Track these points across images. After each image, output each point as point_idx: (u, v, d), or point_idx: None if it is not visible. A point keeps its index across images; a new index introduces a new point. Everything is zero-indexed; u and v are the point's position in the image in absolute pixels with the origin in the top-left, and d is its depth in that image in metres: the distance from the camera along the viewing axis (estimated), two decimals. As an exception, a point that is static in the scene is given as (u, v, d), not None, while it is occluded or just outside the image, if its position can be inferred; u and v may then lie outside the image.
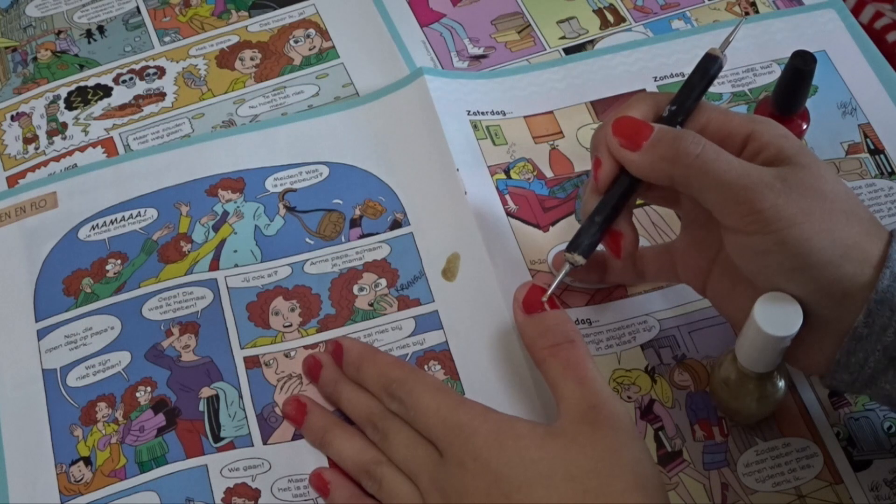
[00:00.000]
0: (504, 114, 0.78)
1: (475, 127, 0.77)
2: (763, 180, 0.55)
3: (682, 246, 0.65)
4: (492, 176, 0.75)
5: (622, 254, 0.62)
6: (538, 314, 0.61)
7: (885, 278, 0.54)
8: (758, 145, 0.58)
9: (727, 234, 0.58)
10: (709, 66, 0.62)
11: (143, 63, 0.83)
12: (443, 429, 0.59)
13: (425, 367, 0.68)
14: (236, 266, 0.72)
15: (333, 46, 0.84)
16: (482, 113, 0.78)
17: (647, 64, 0.80)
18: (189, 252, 0.72)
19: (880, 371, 0.56)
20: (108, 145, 0.79)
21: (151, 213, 0.74)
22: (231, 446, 0.65)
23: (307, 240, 0.73)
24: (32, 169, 0.78)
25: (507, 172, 0.75)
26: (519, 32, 0.84)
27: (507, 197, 0.74)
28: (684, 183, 0.57)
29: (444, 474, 0.58)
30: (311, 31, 0.85)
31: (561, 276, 0.62)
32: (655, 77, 0.79)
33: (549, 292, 0.62)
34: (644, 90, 0.64)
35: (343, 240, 0.73)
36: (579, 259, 0.61)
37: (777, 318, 0.56)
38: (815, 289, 0.56)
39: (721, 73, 0.78)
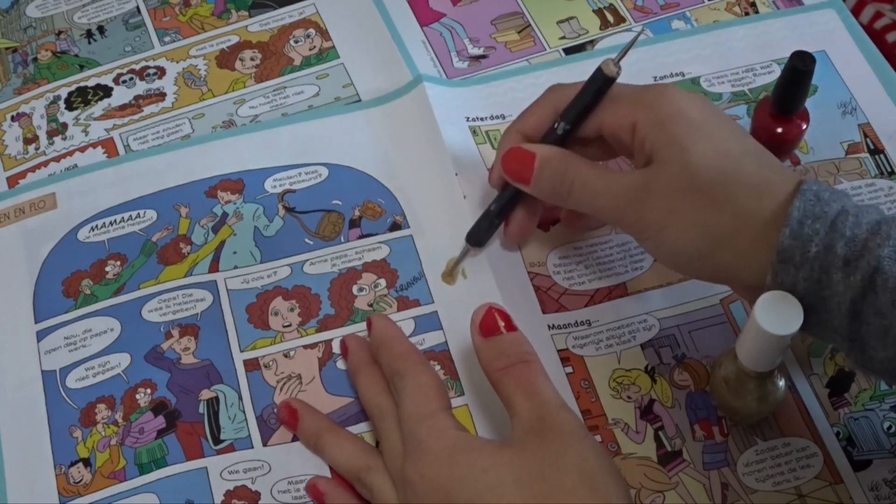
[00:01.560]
0: (503, 117, 0.78)
1: (474, 132, 0.77)
2: (626, 195, 0.60)
3: None
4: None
5: (510, 238, 0.71)
6: (494, 337, 0.61)
7: (785, 237, 0.55)
8: (640, 137, 0.61)
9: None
10: (599, 81, 0.63)
11: (144, 63, 0.83)
12: (407, 439, 0.59)
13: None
14: (236, 267, 0.72)
15: (333, 46, 0.84)
16: (481, 119, 0.78)
17: (647, 64, 0.80)
18: (189, 254, 0.72)
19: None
20: (108, 145, 0.79)
21: (151, 215, 0.74)
22: (231, 448, 0.65)
23: (306, 240, 0.73)
24: (33, 169, 0.78)
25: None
26: (519, 32, 0.84)
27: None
28: (571, 207, 0.65)
29: (404, 490, 0.58)
30: (311, 30, 0.85)
31: (458, 258, 0.71)
32: (655, 77, 0.79)
33: (445, 270, 0.71)
34: (558, 84, 0.67)
35: (342, 240, 0.73)
36: (471, 249, 0.71)
37: (777, 317, 0.56)
38: (706, 276, 0.61)
39: (721, 73, 0.79)
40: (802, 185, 0.57)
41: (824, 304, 0.55)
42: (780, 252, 0.55)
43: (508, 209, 0.69)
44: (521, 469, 0.55)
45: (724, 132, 0.59)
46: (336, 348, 0.68)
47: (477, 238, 0.70)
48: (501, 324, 0.61)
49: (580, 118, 0.64)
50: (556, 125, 0.65)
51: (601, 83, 0.63)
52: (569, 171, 0.63)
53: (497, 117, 0.78)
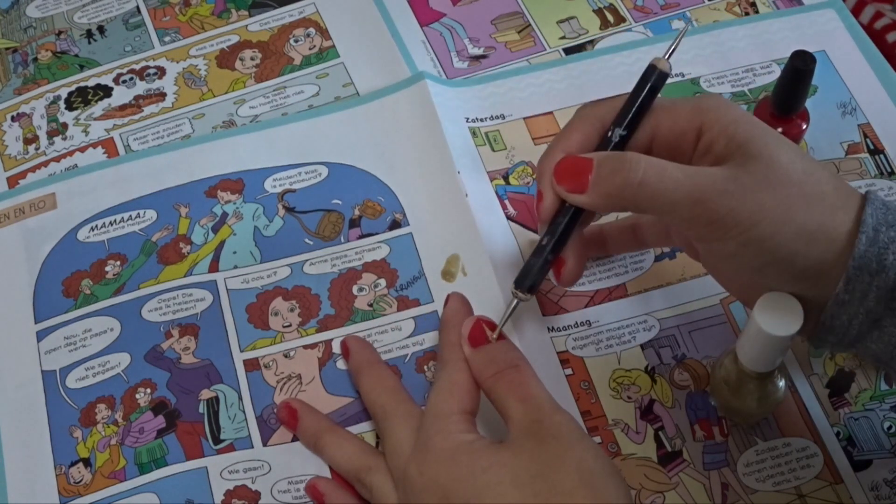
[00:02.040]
0: (503, 117, 0.78)
1: (474, 134, 0.77)
2: (714, 187, 0.54)
3: None
4: (491, 182, 0.75)
5: (563, 282, 0.62)
6: (484, 346, 0.61)
7: (861, 244, 0.53)
8: (709, 139, 0.57)
9: (694, 242, 0.58)
10: (652, 78, 0.60)
11: (144, 63, 0.83)
12: (419, 433, 0.59)
13: (425, 367, 0.68)
14: (236, 267, 0.72)
15: (333, 46, 0.84)
16: (480, 120, 0.78)
17: (646, 64, 0.80)
18: (188, 253, 0.72)
19: (865, 332, 0.56)
20: (108, 146, 0.79)
21: (151, 215, 0.74)
22: (231, 448, 0.65)
23: (306, 240, 0.73)
24: (33, 169, 0.78)
25: (505, 178, 0.75)
26: (519, 32, 0.84)
27: (507, 202, 0.74)
28: (637, 209, 0.58)
29: (403, 487, 0.58)
30: (311, 30, 0.85)
31: (509, 312, 0.62)
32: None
33: (499, 329, 0.62)
34: (587, 101, 0.63)
35: (342, 240, 0.73)
36: (525, 296, 0.62)
37: (778, 318, 0.56)
38: (790, 277, 0.56)
39: (721, 73, 0.79)
40: (869, 193, 0.56)
41: (893, 318, 0.54)
42: (856, 259, 0.53)
43: (563, 241, 0.61)
44: (520, 469, 0.55)
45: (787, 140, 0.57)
46: (336, 348, 0.69)
47: (531, 283, 0.61)
48: (490, 333, 0.62)
49: (637, 121, 0.59)
50: (609, 133, 0.59)
51: (655, 80, 0.60)
52: (634, 161, 0.56)
53: (497, 118, 0.78)
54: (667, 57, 0.60)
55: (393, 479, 0.60)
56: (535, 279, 0.61)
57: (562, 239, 0.60)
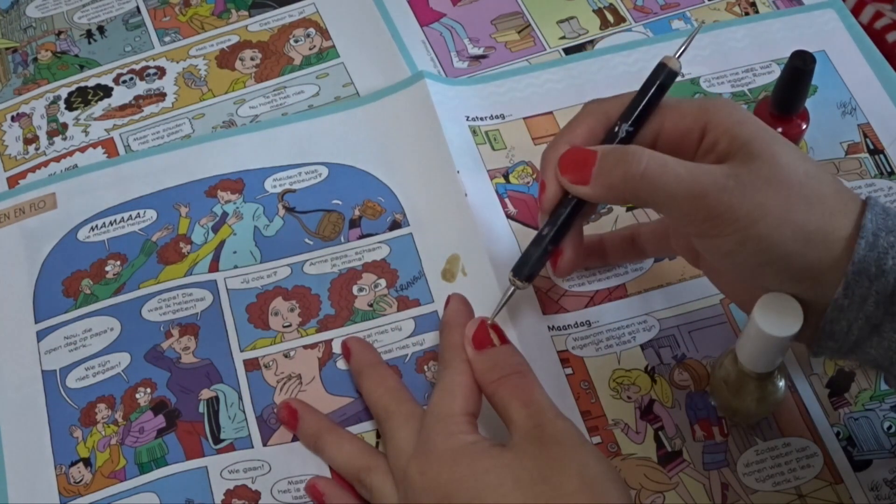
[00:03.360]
0: (503, 117, 0.78)
1: (474, 132, 0.77)
2: (715, 183, 0.54)
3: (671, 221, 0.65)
4: (491, 180, 0.75)
5: (558, 272, 0.63)
6: (488, 350, 0.61)
7: (861, 249, 0.53)
8: (713, 137, 0.57)
9: (692, 237, 0.58)
10: (662, 76, 0.60)
11: (144, 63, 0.83)
12: (421, 433, 0.59)
13: (425, 367, 0.68)
14: (236, 267, 0.72)
15: (333, 46, 0.84)
16: (480, 118, 0.78)
17: (647, 64, 0.79)
18: (188, 253, 0.72)
19: (864, 338, 0.56)
20: (108, 146, 0.79)
21: (151, 215, 0.74)
22: (231, 448, 0.65)
23: (306, 240, 0.73)
24: (33, 169, 0.78)
25: (506, 177, 0.75)
26: (519, 32, 0.84)
27: (507, 200, 0.74)
28: (638, 201, 0.58)
29: (404, 488, 0.58)
30: (311, 30, 0.85)
31: (504, 299, 0.63)
32: (655, 77, 0.79)
33: (492, 317, 0.63)
34: (593, 99, 0.63)
35: (342, 240, 0.73)
36: (522, 285, 0.62)
37: (777, 318, 0.56)
38: (787, 278, 0.56)
39: (721, 73, 0.79)
40: (869, 199, 0.56)
41: (892, 323, 0.54)
42: (855, 264, 0.53)
43: (562, 232, 0.61)
44: (522, 472, 0.55)
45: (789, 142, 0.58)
46: (336, 348, 0.69)
47: (530, 271, 0.62)
48: (494, 336, 0.62)
49: (644, 117, 0.59)
50: (616, 128, 0.59)
51: (664, 78, 0.60)
52: (637, 154, 0.56)
53: (497, 117, 0.78)
54: (677, 56, 0.60)
55: (394, 480, 0.60)
56: (533, 268, 0.62)
57: (562, 230, 0.61)
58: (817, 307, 0.56)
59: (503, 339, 0.62)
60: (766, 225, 0.54)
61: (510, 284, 0.63)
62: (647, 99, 0.59)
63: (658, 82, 0.59)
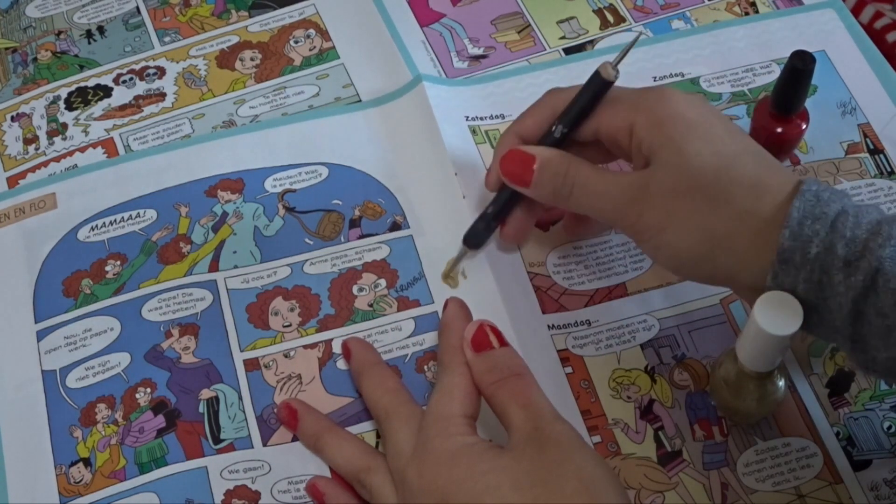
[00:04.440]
0: (503, 117, 0.78)
1: (474, 132, 0.77)
2: (625, 194, 0.60)
3: None
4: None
5: (504, 237, 0.70)
6: (487, 352, 0.61)
7: (785, 238, 0.55)
8: (637, 139, 0.61)
9: None
10: (595, 85, 0.63)
11: (143, 63, 0.83)
12: (420, 435, 0.59)
13: (425, 367, 0.68)
14: (236, 267, 0.72)
15: (333, 47, 0.84)
16: (480, 118, 0.78)
17: (646, 64, 0.80)
18: (188, 253, 0.72)
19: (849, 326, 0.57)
20: (108, 146, 0.79)
21: (151, 214, 0.74)
22: (231, 448, 0.65)
23: (306, 240, 0.73)
24: (33, 169, 0.78)
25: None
26: (519, 32, 0.84)
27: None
28: (572, 209, 0.64)
29: (402, 489, 0.59)
30: (312, 31, 0.85)
31: (456, 260, 0.70)
32: (655, 77, 0.79)
33: (444, 271, 0.70)
34: (556, 87, 0.67)
35: (342, 240, 0.73)
36: (470, 252, 0.71)
37: (777, 317, 0.56)
38: (704, 278, 0.60)
39: (721, 73, 0.79)
40: (802, 185, 0.57)
41: (825, 305, 0.55)
42: (780, 253, 0.55)
43: (505, 211, 0.68)
44: (521, 474, 0.55)
45: (722, 133, 0.59)
46: (336, 348, 0.69)
47: (474, 240, 0.70)
48: (493, 339, 0.62)
49: (577, 121, 0.64)
50: (553, 128, 0.65)
51: (599, 86, 0.63)
52: (570, 173, 0.62)
53: (497, 117, 0.78)
54: (615, 64, 0.63)
55: (393, 480, 0.60)
56: (478, 238, 0.70)
57: (504, 209, 0.68)
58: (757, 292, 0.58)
59: (502, 342, 0.62)
60: (672, 232, 0.58)
61: (462, 248, 0.70)
62: (579, 104, 0.64)
63: (591, 91, 0.63)
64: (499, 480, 0.55)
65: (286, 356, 0.68)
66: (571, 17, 0.84)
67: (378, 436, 0.65)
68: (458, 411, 0.59)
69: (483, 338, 0.62)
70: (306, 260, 0.72)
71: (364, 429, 0.66)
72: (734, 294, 0.69)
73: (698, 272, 0.60)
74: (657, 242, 0.59)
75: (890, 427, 0.66)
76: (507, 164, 0.65)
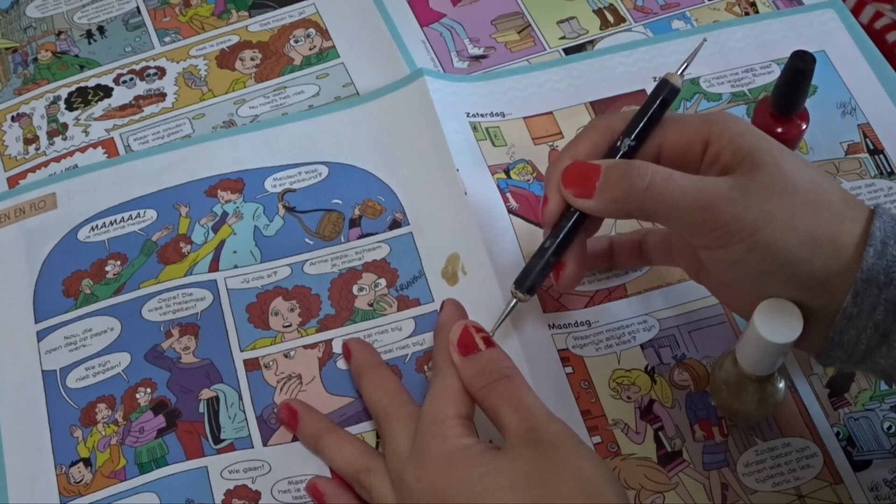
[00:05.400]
0: (503, 115, 0.78)
1: (474, 128, 0.77)
2: (719, 194, 0.55)
3: (675, 233, 0.66)
4: (492, 176, 0.75)
5: (561, 285, 0.63)
6: (474, 355, 0.61)
7: (870, 256, 0.54)
8: (716, 149, 0.58)
9: (698, 249, 0.58)
10: (664, 92, 0.61)
11: (144, 63, 0.83)
12: (416, 438, 0.59)
13: (425, 367, 0.68)
14: (236, 267, 0.72)
15: (334, 46, 0.84)
16: (481, 115, 0.78)
17: (646, 64, 0.80)
18: (189, 253, 0.72)
19: (874, 347, 0.56)
20: (108, 146, 0.79)
21: (151, 214, 0.74)
22: (231, 448, 0.65)
23: (307, 240, 0.73)
24: (33, 170, 0.78)
25: (507, 172, 0.75)
26: (519, 32, 0.84)
27: (508, 195, 0.74)
28: (642, 215, 0.58)
29: (400, 492, 0.58)
30: (312, 30, 0.85)
31: (507, 311, 0.64)
32: (655, 77, 0.79)
33: (493, 330, 0.63)
34: (601, 115, 0.64)
35: (342, 240, 0.73)
36: (524, 297, 0.63)
37: (778, 324, 0.56)
38: (794, 285, 0.56)
39: (721, 73, 0.79)
40: (878, 207, 0.56)
41: None
42: (864, 272, 0.54)
43: (566, 244, 0.62)
44: (519, 475, 0.55)
45: (793, 153, 0.58)
46: (336, 348, 0.69)
47: (531, 283, 0.63)
48: (479, 340, 0.61)
49: (646, 132, 0.60)
50: (618, 143, 0.60)
51: (667, 94, 0.61)
52: (642, 168, 0.57)
53: (497, 115, 0.78)
54: (680, 72, 0.61)
55: (392, 482, 0.60)
56: (534, 280, 0.62)
57: (564, 242, 0.61)
58: (825, 316, 0.56)
59: (488, 343, 0.61)
60: (771, 231, 0.54)
61: (512, 297, 0.63)
62: (649, 114, 0.60)
63: (660, 98, 0.60)
64: (497, 482, 0.55)
65: (286, 356, 0.69)
66: (571, 17, 0.84)
67: (378, 436, 0.65)
68: (452, 413, 0.59)
69: (469, 340, 0.61)
70: (306, 260, 0.72)
71: (364, 429, 0.66)
72: None
73: (791, 278, 0.56)
74: (751, 244, 0.55)
75: (890, 427, 0.66)
76: (569, 175, 0.60)
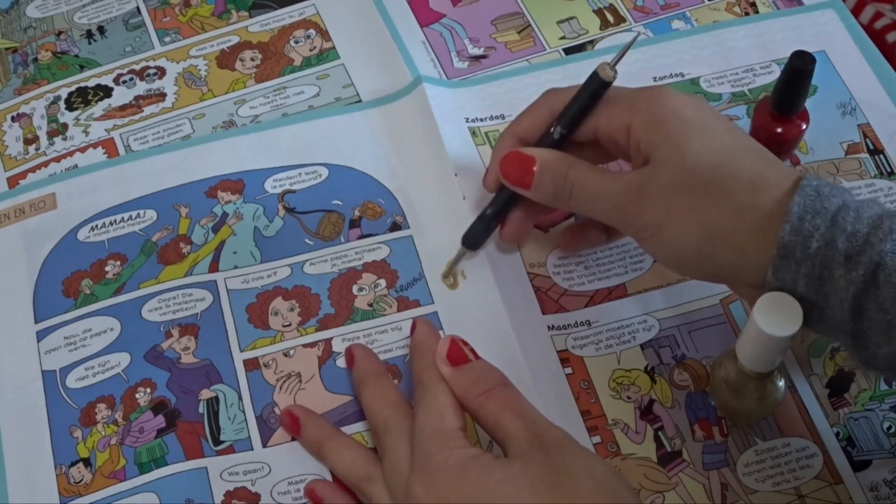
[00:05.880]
0: (503, 117, 0.78)
1: (473, 133, 0.77)
2: (623, 194, 0.60)
3: None
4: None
5: (503, 239, 0.70)
6: (466, 366, 0.61)
7: (786, 233, 0.55)
8: (635, 139, 0.61)
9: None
10: (593, 86, 0.63)
11: (144, 63, 0.83)
12: (416, 454, 0.58)
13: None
14: (236, 267, 0.72)
15: (334, 47, 0.84)
16: (480, 119, 0.78)
17: (646, 64, 0.80)
18: (188, 253, 0.72)
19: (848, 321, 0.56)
20: (108, 146, 0.79)
21: (151, 215, 0.74)
22: (231, 450, 0.65)
23: (306, 241, 0.73)
24: (33, 170, 0.78)
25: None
26: (519, 32, 0.84)
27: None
28: (572, 209, 0.66)
29: None
30: (312, 31, 0.85)
31: (454, 260, 0.70)
32: (655, 77, 0.79)
33: (443, 272, 0.71)
34: (554, 87, 0.67)
35: (342, 240, 0.73)
36: (470, 253, 0.71)
37: (777, 318, 0.56)
38: (710, 274, 0.60)
39: (721, 73, 0.79)
40: (802, 180, 0.57)
41: (826, 301, 0.55)
42: (780, 248, 0.55)
43: (504, 211, 0.68)
44: (536, 479, 0.54)
45: (720, 130, 0.60)
46: (336, 347, 0.69)
47: (473, 241, 0.70)
48: (468, 352, 0.61)
49: (576, 122, 0.64)
50: (552, 129, 0.65)
51: (597, 87, 0.63)
52: (570, 174, 0.62)
53: (496, 118, 0.78)
54: (613, 65, 0.63)
55: (390, 493, 0.60)
56: (476, 238, 0.70)
57: (503, 209, 0.68)
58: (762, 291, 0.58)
59: (475, 355, 0.62)
60: (672, 228, 0.58)
61: (461, 249, 0.70)
62: (577, 105, 0.64)
63: (589, 91, 0.63)
64: (516, 488, 0.54)
65: (286, 355, 0.68)
66: (571, 18, 0.84)
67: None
68: (451, 425, 0.59)
69: (458, 352, 0.61)
70: (306, 260, 0.72)
71: (364, 427, 0.66)
72: (734, 294, 0.69)
73: (699, 269, 0.60)
74: (657, 240, 0.60)
75: (890, 427, 0.66)
76: (506, 167, 0.65)
